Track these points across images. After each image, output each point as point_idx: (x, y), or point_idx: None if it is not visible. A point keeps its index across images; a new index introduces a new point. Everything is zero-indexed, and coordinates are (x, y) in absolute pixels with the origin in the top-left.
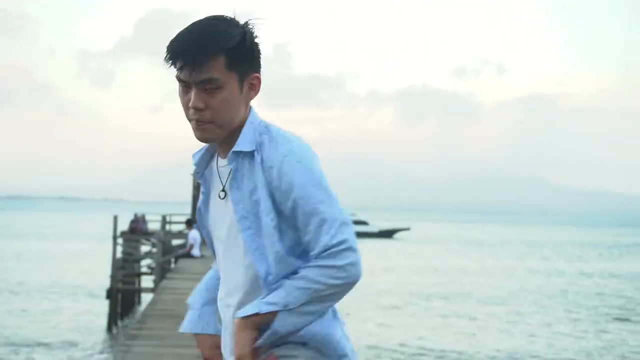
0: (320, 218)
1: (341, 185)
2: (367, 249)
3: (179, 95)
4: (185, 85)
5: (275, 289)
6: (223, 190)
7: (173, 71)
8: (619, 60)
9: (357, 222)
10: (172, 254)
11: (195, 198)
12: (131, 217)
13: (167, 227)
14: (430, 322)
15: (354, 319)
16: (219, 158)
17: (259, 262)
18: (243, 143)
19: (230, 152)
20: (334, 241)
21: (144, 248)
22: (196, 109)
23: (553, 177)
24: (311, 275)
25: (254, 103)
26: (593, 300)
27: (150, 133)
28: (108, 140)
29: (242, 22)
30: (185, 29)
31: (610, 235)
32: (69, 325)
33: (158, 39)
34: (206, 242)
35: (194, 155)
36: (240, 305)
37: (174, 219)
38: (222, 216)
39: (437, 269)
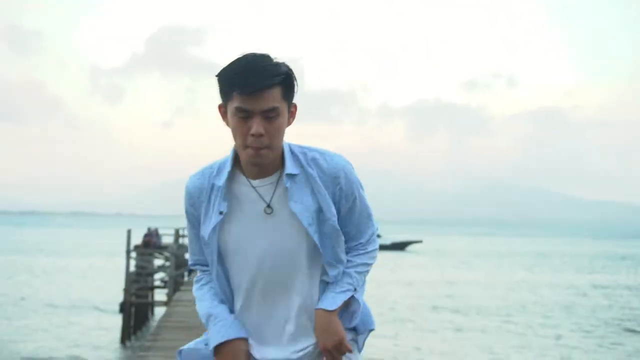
0: (368, 213)
1: None
2: (381, 262)
3: (235, 125)
4: (246, 116)
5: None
6: (269, 206)
7: (182, 88)
8: (628, 72)
9: None
10: (185, 267)
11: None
12: (144, 231)
13: (180, 240)
14: (443, 335)
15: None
16: (249, 179)
17: (330, 261)
18: (291, 166)
19: (284, 174)
20: (374, 230)
21: (157, 261)
22: (258, 135)
23: (563, 188)
24: (365, 259)
25: None
26: (604, 313)
27: (161, 148)
28: (119, 155)
29: (278, 59)
30: (241, 63)
31: (621, 246)
32: (83, 340)
33: (169, 55)
34: (211, 258)
35: (215, 178)
36: (305, 306)
37: (187, 232)
38: (262, 231)
39: (450, 282)
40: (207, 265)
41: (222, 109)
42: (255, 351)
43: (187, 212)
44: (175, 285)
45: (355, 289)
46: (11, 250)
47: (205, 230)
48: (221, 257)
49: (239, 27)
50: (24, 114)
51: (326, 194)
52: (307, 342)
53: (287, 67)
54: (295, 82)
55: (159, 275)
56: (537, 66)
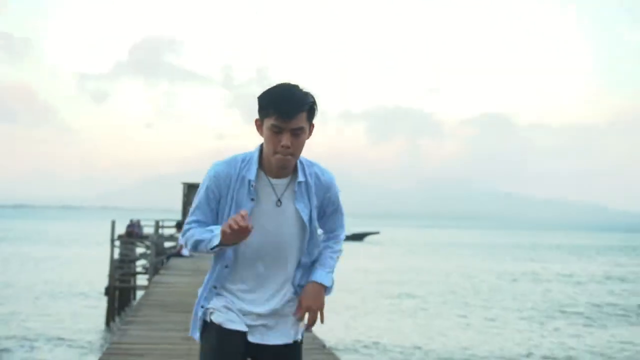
0: (343, 213)
1: None
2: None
3: (269, 136)
4: (279, 131)
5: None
6: (279, 200)
7: (161, 92)
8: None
9: None
10: (164, 255)
11: (185, 204)
12: (127, 222)
13: (160, 230)
14: (391, 316)
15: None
16: (268, 177)
17: (310, 249)
18: (301, 175)
19: (297, 182)
20: (345, 225)
21: (139, 250)
22: (287, 147)
23: (507, 187)
24: (340, 246)
25: None
26: (532, 296)
27: (143, 147)
28: (105, 154)
29: (306, 89)
30: (279, 91)
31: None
32: (69, 321)
33: (149, 62)
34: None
35: (246, 171)
36: (292, 274)
37: (166, 223)
38: (273, 218)
39: (399, 268)
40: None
41: (259, 123)
42: (250, 306)
43: (208, 188)
44: (155, 271)
45: (332, 271)
46: (2, 239)
47: (233, 209)
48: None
49: (209, 37)
50: (18, 115)
51: (315, 202)
52: (289, 302)
53: (312, 96)
54: (316, 108)
55: (140, 262)
56: (480, 75)
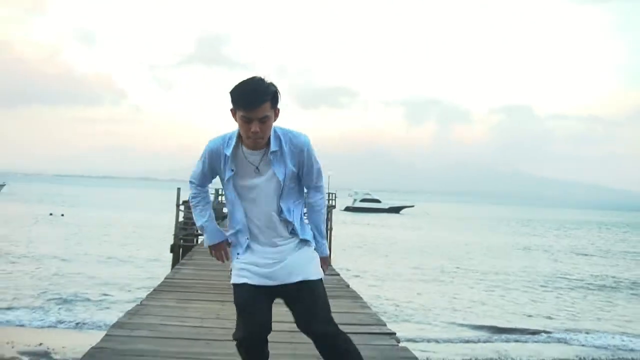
0: (319, 169)
1: (359, 171)
2: (380, 222)
3: (241, 124)
4: (248, 120)
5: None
6: (257, 168)
7: (220, 80)
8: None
9: (372, 200)
10: (220, 218)
11: None
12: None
13: (219, 198)
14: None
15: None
16: (246, 150)
17: (285, 203)
18: (275, 145)
19: (270, 151)
20: (323, 179)
21: None
22: (256, 132)
23: (530, 169)
24: (324, 201)
25: None
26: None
27: (207, 127)
28: (172, 134)
29: (269, 80)
30: (245, 85)
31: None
32: (141, 271)
33: (209, 54)
34: (229, 195)
35: (225, 148)
36: (272, 226)
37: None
38: (255, 184)
39: (435, 241)
40: (200, 186)
41: (233, 112)
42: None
43: (204, 161)
44: None
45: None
46: (95, 206)
47: (223, 178)
48: (235, 194)
49: (262, 33)
50: (99, 99)
51: (291, 165)
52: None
53: (274, 86)
54: (279, 96)
55: None
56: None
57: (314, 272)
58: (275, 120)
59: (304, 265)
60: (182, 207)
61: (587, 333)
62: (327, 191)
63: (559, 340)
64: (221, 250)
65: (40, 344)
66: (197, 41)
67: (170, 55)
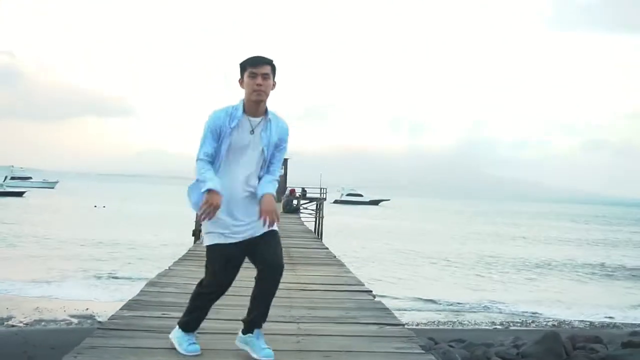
0: (283, 156)
1: (346, 171)
2: (362, 213)
3: (248, 82)
4: (254, 76)
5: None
6: (253, 131)
7: None
8: None
9: (356, 195)
10: None
11: None
12: None
13: None
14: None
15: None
16: (248, 116)
17: (264, 167)
18: (271, 117)
19: (268, 120)
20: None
21: None
22: (259, 85)
23: (483, 168)
24: (275, 177)
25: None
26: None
27: None
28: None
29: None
30: (257, 55)
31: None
32: (169, 250)
33: None
34: (222, 147)
35: (233, 112)
36: (252, 185)
37: None
38: (247, 144)
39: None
40: (211, 162)
41: (240, 80)
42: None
43: (211, 127)
44: None
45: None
46: (131, 200)
47: (224, 136)
48: (228, 149)
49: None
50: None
51: (274, 139)
52: (255, 212)
53: (274, 62)
54: (276, 69)
55: None
56: None
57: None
58: (273, 88)
59: (260, 225)
60: None
61: (506, 304)
62: (319, 187)
63: (488, 309)
64: (217, 201)
65: (87, 309)
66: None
67: None
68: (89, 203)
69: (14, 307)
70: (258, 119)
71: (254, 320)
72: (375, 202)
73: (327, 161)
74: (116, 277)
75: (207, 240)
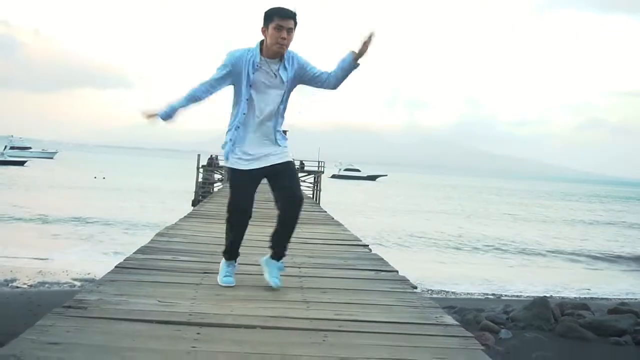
0: (315, 65)
1: (344, 146)
2: (361, 187)
3: (272, 33)
4: (280, 28)
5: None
6: (274, 73)
7: None
8: None
9: (353, 170)
10: None
11: None
12: (208, 157)
13: None
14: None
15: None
16: (267, 60)
17: (285, 102)
18: (287, 58)
19: (284, 62)
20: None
21: (216, 176)
22: (284, 38)
23: (481, 145)
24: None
25: None
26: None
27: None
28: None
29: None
30: (285, 7)
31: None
32: (170, 215)
33: None
34: (244, 94)
35: (254, 55)
36: (271, 122)
37: None
38: (269, 83)
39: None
40: (212, 86)
41: (264, 29)
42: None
43: (227, 63)
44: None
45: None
46: (129, 172)
47: (242, 79)
48: (248, 87)
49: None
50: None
51: (292, 74)
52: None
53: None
54: (297, 24)
55: (217, 185)
56: None
57: (287, 157)
58: (291, 40)
59: (280, 154)
60: (201, 170)
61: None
62: (317, 160)
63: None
64: (150, 120)
65: (88, 273)
66: None
67: None
68: (89, 174)
69: (18, 271)
70: (277, 61)
71: (276, 252)
72: (373, 178)
73: (326, 136)
74: (117, 244)
75: (227, 163)
